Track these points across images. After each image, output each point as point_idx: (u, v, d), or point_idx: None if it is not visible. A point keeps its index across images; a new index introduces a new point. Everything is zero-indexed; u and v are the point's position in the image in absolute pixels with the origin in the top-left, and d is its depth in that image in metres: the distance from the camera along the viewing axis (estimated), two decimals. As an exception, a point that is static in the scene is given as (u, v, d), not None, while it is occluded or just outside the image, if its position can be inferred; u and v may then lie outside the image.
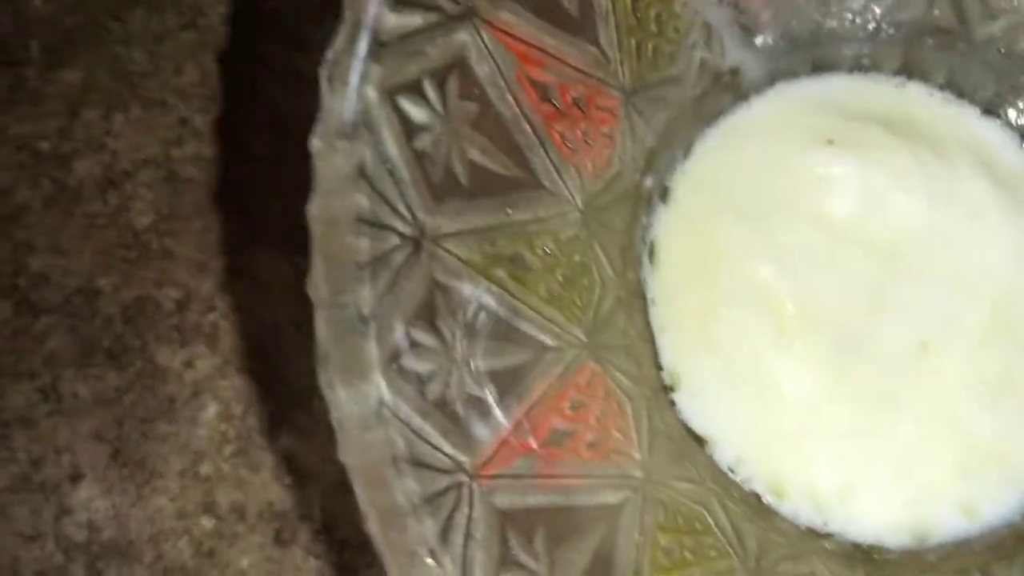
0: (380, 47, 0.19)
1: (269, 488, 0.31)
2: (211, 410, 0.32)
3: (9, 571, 0.30)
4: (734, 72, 0.29)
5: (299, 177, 0.20)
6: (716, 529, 0.25)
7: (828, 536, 0.27)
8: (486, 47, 0.22)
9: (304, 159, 0.19)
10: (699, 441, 0.28)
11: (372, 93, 0.19)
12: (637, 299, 0.28)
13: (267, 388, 0.32)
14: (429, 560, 0.16)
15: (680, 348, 0.29)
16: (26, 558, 0.30)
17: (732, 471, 0.28)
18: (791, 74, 0.31)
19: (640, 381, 0.27)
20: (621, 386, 0.26)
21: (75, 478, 0.31)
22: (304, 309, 0.19)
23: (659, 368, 0.28)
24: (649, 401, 0.27)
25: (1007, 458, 0.28)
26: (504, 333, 0.22)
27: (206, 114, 0.34)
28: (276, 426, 0.31)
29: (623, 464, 0.24)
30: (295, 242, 0.20)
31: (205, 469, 0.31)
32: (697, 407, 0.28)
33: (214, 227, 0.33)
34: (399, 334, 0.19)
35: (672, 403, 0.28)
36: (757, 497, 0.27)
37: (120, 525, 0.30)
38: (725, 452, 0.28)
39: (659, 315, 0.29)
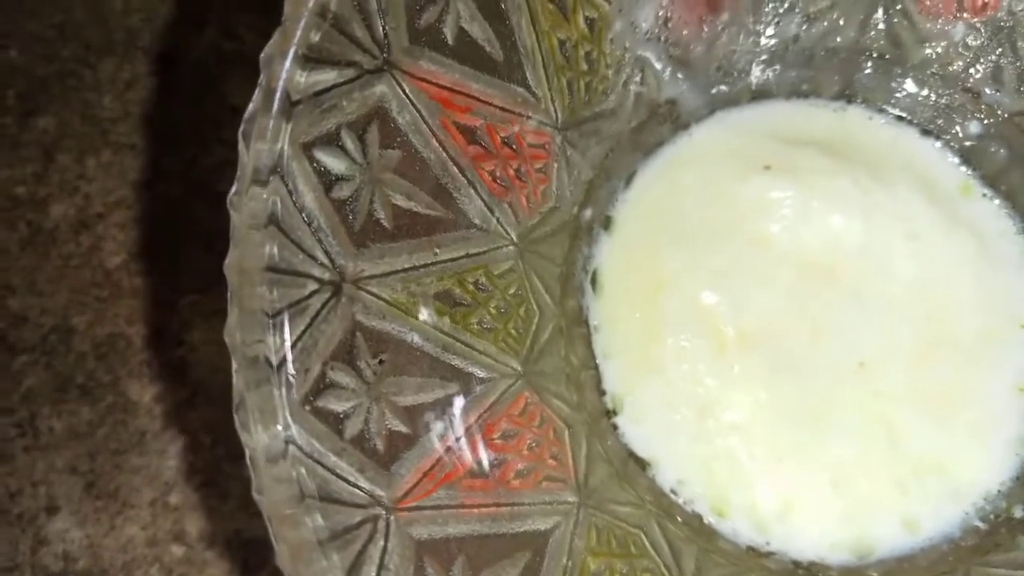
0: (292, 105, 0.20)
1: (237, 516, 0.32)
2: (180, 442, 0.33)
3: (-11, 601, 0.31)
4: (671, 103, 0.30)
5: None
6: (652, 551, 0.26)
7: (769, 555, 0.28)
8: (407, 97, 0.23)
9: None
10: (641, 464, 0.29)
11: (286, 148, 0.20)
12: (579, 327, 0.29)
13: (233, 419, 0.33)
14: (334, 593, 0.17)
15: (623, 374, 0.29)
16: (5, 588, 0.32)
17: (674, 492, 0.28)
18: (731, 102, 0.32)
19: (580, 408, 0.28)
20: (559, 413, 0.27)
21: (51, 510, 0.32)
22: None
23: (602, 393, 0.29)
24: (589, 427, 0.28)
25: (948, 472, 0.29)
26: (432, 368, 0.23)
27: (174, 157, 0.36)
28: (242, 456, 0.32)
29: (556, 491, 0.25)
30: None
31: (175, 499, 0.32)
32: (639, 431, 0.29)
33: (182, 266, 0.34)
34: (315, 376, 0.20)
35: (615, 427, 0.29)
36: (699, 518, 0.28)
37: (94, 554, 0.32)
38: (667, 474, 0.29)
39: (602, 342, 0.30)
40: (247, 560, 0.32)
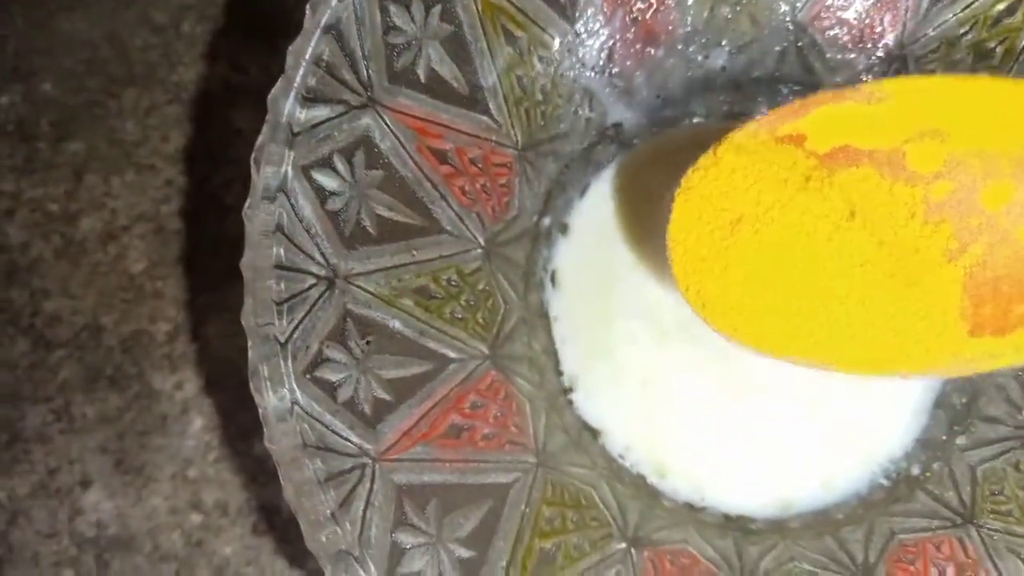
0: (294, 136, 0.25)
1: (247, 487, 0.37)
2: (197, 424, 0.38)
3: (31, 563, 0.36)
4: (617, 126, 0.35)
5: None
6: (600, 504, 0.31)
7: (703, 510, 0.33)
8: (388, 127, 0.28)
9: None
10: (593, 433, 0.33)
11: (289, 171, 0.25)
12: (540, 318, 0.34)
13: (244, 403, 0.37)
14: (329, 519, 0.22)
15: (578, 357, 0.34)
16: (45, 552, 0.36)
17: (622, 457, 0.33)
18: (671, 123, 0.36)
19: (541, 386, 0.32)
20: (522, 390, 0.31)
21: (85, 484, 0.37)
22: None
23: (560, 374, 0.34)
24: (548, 402, 0.32)
25: (860, 440, 0.34)
26: (411, 349, 0.28)
27: (188, 175, 0.41)
28: (252, 435, 0.37)
29: (517, 452, 0.29)
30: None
31: (193, 473, 0.37)
32: (592, 405, 0.34)
33: (197, 270, 0.39)
34: (314, 352, 0.24)
35: (570, 402, 0.34)
36: (643, 479, 0.33)
37: (123, 522, 0.36)
38: (616, 442, 0.33)
39: (560, 330, 0.34)
40: (256, 525, 0.37)
